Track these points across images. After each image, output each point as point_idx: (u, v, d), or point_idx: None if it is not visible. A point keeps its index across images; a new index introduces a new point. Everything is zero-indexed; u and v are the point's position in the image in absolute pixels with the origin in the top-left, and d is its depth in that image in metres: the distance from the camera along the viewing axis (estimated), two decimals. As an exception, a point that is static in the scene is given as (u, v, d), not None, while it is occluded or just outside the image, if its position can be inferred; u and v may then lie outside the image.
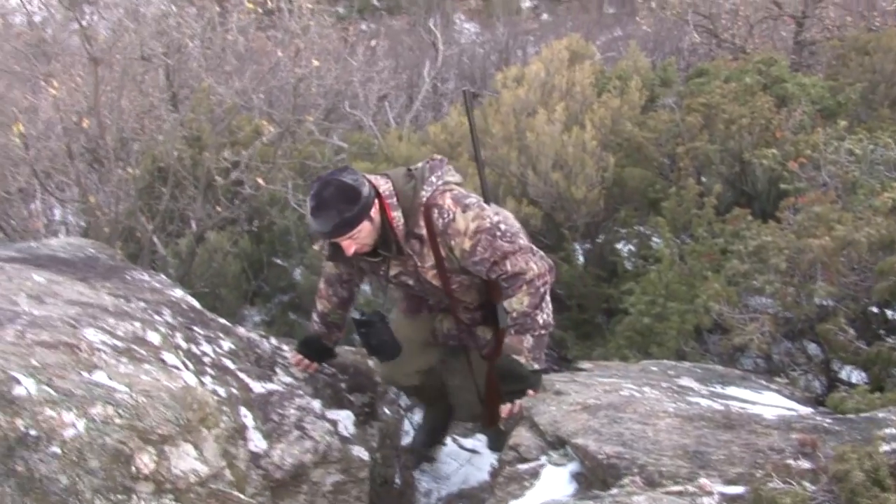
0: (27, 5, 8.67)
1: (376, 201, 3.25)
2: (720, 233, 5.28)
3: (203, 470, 2.29)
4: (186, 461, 2.25)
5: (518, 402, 3.38)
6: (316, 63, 7.85)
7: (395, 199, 3.27)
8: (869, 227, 4.27)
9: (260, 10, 8.46)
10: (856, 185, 5.18)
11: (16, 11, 9.27)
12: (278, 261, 7.88)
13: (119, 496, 2.02)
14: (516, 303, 3.29)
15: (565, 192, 6.25)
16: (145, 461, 2.06)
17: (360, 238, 3.22)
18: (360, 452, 3.58)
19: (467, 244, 3.25)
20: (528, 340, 3.33)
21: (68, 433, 2.01)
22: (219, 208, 7.16)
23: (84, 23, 6.71)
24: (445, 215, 3.26)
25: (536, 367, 3.37)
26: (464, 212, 3.26)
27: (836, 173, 5.33)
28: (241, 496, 2.45)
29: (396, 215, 3.26)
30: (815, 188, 5.29)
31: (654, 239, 6.14)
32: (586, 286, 6.11)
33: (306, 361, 3.93)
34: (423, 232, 3.29)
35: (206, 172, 7.07)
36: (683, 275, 5.04)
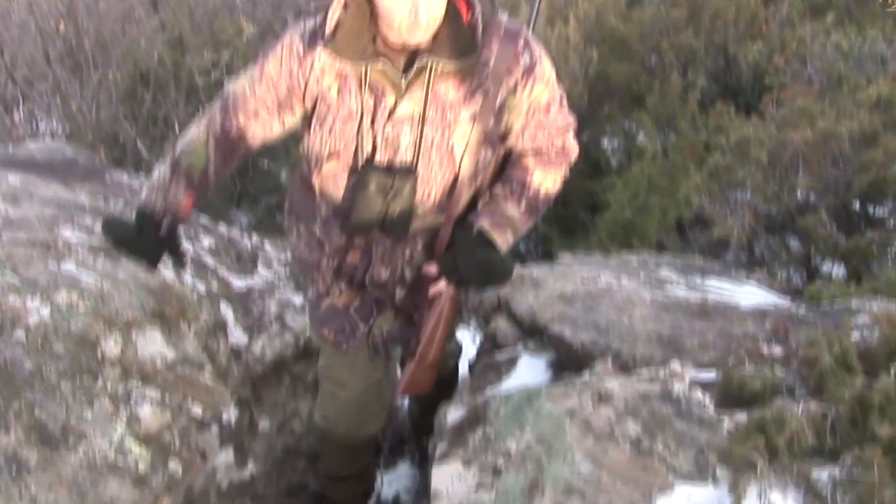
0: None
1: None
2: (703, 127, 5.26)
3: (170, 355, 2.30)
4: (153, 346, 2.26)
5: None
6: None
7: None
8: (851, 120, 4.25)
9: None
10: (841, 80, 5.13)
11: None
12: (264, 163, 7.84)
13: (85, 380, 2.03)
14: (549, 181, 2.51)
15: (548, 87, 6.18)
16: (111, 346, 2.08)
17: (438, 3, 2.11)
18: (341, 345, 3.59)
19: (545, 97, 2.35)
20: (530, 223, 2.57)
21: (32, 319, 2.02)
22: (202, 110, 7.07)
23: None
24: (534, 51, 2.30)
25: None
26: (546, 57, 2.35)
27: (822, 68, 5.28)
28: (208, 381, 2.46)
29: (478, 13, 2.19)
30: (800, 83, 5.25)
31: (641, 136, 6.11)
32: (570, 182, 6.09)
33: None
34: (492, 61, 2.25)
35: (188, 75, 6.97)
36: (666, 169, 5.04)
